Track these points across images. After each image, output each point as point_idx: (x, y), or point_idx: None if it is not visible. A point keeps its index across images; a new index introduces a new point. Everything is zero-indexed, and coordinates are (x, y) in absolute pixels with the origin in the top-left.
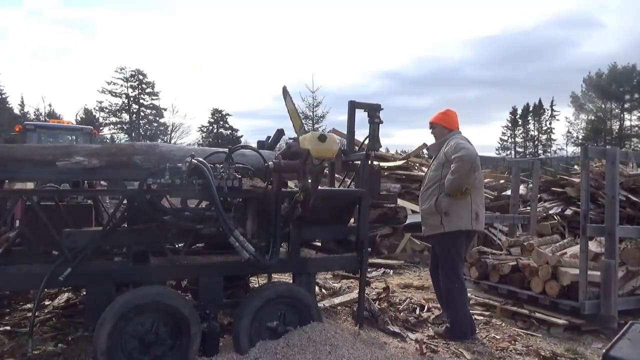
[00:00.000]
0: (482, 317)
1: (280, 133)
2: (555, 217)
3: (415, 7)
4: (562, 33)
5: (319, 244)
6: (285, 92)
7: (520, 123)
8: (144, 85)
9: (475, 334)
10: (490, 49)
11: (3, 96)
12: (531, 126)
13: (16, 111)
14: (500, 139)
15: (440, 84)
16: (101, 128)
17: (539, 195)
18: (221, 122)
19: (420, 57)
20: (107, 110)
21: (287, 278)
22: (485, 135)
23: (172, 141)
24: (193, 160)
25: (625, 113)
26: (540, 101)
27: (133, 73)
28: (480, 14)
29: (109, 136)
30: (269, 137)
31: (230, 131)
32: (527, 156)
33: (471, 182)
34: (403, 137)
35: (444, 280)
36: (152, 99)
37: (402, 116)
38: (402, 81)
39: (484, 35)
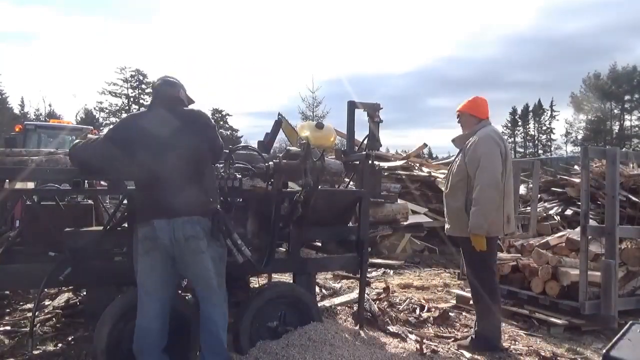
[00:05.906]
0: None
1: (277, 125)
2: (555, 217)
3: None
4: (620, 37)
5: (319, 244)
6: (279, 120)
7: (520, 123)
8: (144, 86)
9: (502, 346)
10: (533, 49)
11: (3, 96)
12: (531, 126)
13: (16, 111)
14: None
15: (480, 84)
16: (101, 128)
17: (539, 195)
18: (221, 122)
19: (461, 58)
20: (107, 111)
21: (287, 278)
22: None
23: None
24: None
25: (625, 113)
26: (539, 101)
27: (133, 73)
28: (531, 14)
29: None
30: (267, 134)
31: (230, 131)
32: (527, 156)
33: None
34: (438, 137)
35: (474, 287)
36: None
37: (436, 117)
38: (441, 82)
39: (529, 36)
